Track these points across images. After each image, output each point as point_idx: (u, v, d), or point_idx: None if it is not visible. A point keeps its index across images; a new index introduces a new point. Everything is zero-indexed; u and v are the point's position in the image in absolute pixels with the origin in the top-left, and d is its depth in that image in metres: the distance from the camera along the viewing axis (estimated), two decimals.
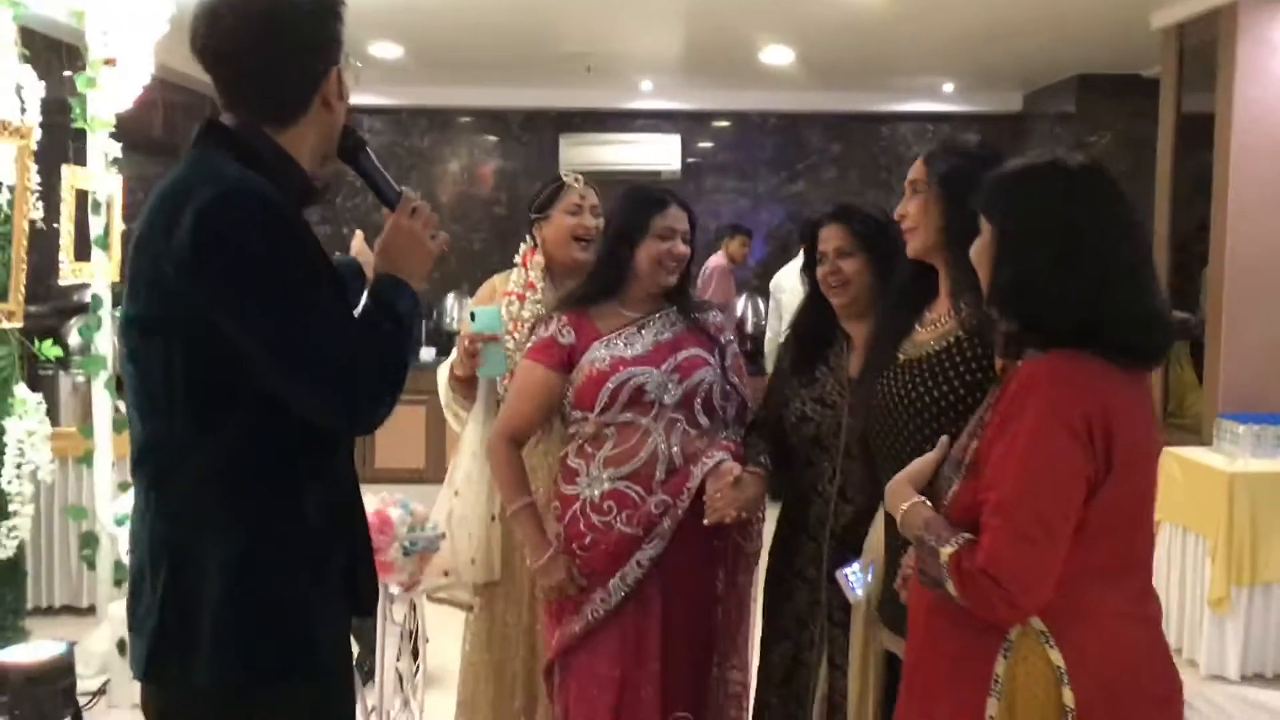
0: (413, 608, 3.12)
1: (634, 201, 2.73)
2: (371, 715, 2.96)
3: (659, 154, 8.59)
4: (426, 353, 8.07)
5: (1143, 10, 5.77)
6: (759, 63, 7.27)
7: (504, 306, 2.90)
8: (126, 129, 4.33)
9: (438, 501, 2.92)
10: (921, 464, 1.90)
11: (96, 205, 4.10)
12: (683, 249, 2.70)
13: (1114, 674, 1.71)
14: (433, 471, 7.73)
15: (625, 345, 2.64)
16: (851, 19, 6.01)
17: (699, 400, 2.62)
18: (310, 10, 1.70)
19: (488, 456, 2.74)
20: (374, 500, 2.69)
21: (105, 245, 4.14)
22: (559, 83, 8.14)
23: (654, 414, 2.58)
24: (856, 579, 2.31)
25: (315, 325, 1.60)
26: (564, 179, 3.04)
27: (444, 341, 8.19)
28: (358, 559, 1.80)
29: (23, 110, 3.92)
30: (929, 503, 1.83)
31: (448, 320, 8.44)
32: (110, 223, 4.17)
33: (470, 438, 2.90)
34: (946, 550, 1.70)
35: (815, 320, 2.64)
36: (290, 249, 1.60)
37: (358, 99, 8.59)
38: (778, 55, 7.08)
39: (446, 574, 2.87)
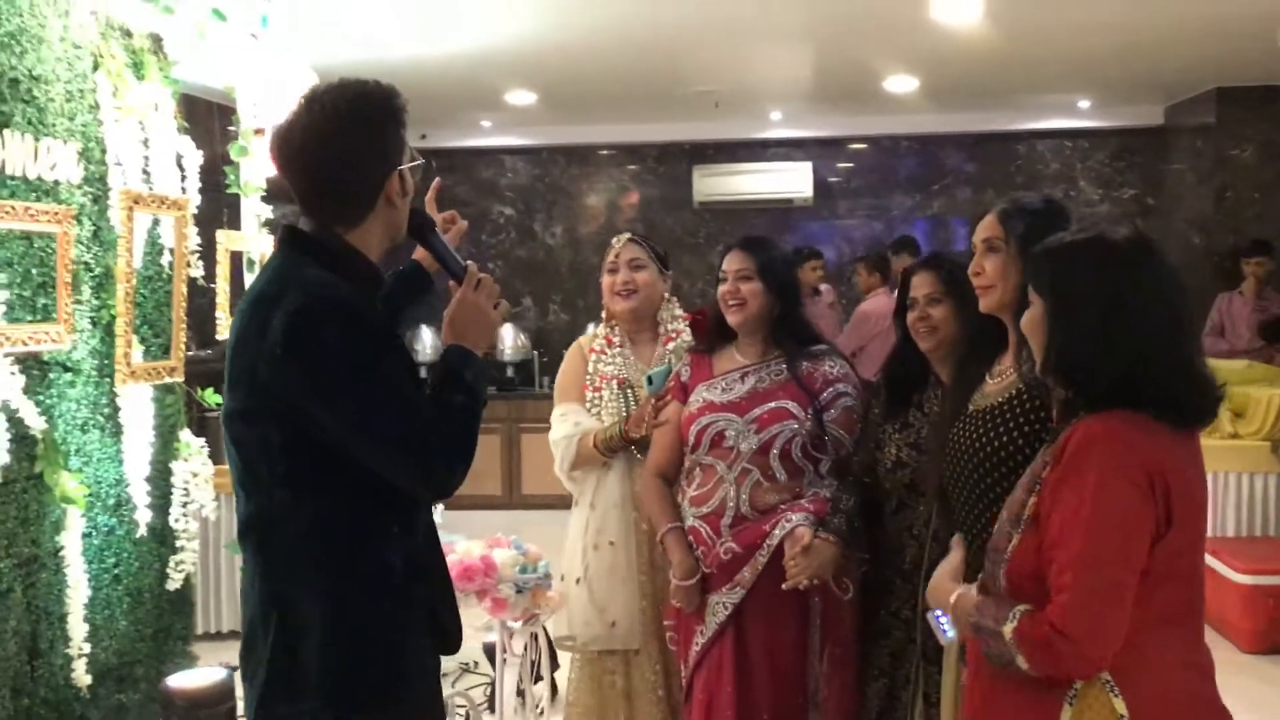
0: (534, 638, 3.30)
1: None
2: None
3: (791, 182, 8.67)
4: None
5: (1273, 23, 5.63)
6: (884, 91, 7.31)
7: (592, 363, 3.09)
8: (276, 191, 4.65)
9: (569, 551, 3.08)
10: (953, 561, 1.99)
11: (250, 264, 4.43)
12: (736, 288, 2.85)
13: None
14: (508, 497, 8.10)
15: (722, 391, 2.80)
16: (971, 47, 6.01)
17: (775, 452, 2.74)
18: (369, 122, 1.91)
19: (641, 491, 2.95)
20: (477, 546, 2.88)
21: None
22: (689, 116, 8.32)
23: (730, 460, 2.73)
24: (947, 621, 2.39)
25: (394, 408, 1.80)
26: (613, 239, 3.24)
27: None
28: (438, 601, 2.00)
29: (183, 178, 4.26)
30: (973, 589, 1.91)
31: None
32: None
33: (612, 491, 3.08)
34: (1009, 627, 1.76)
35: (907, 365, 2.73)
36: (368, 343, 1.82)
37: (499, 140, 8.99)
38: (901, 84, 7.13)
39: (571, 639, 3.02)
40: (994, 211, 2.31)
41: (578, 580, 2.95)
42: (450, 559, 2.78)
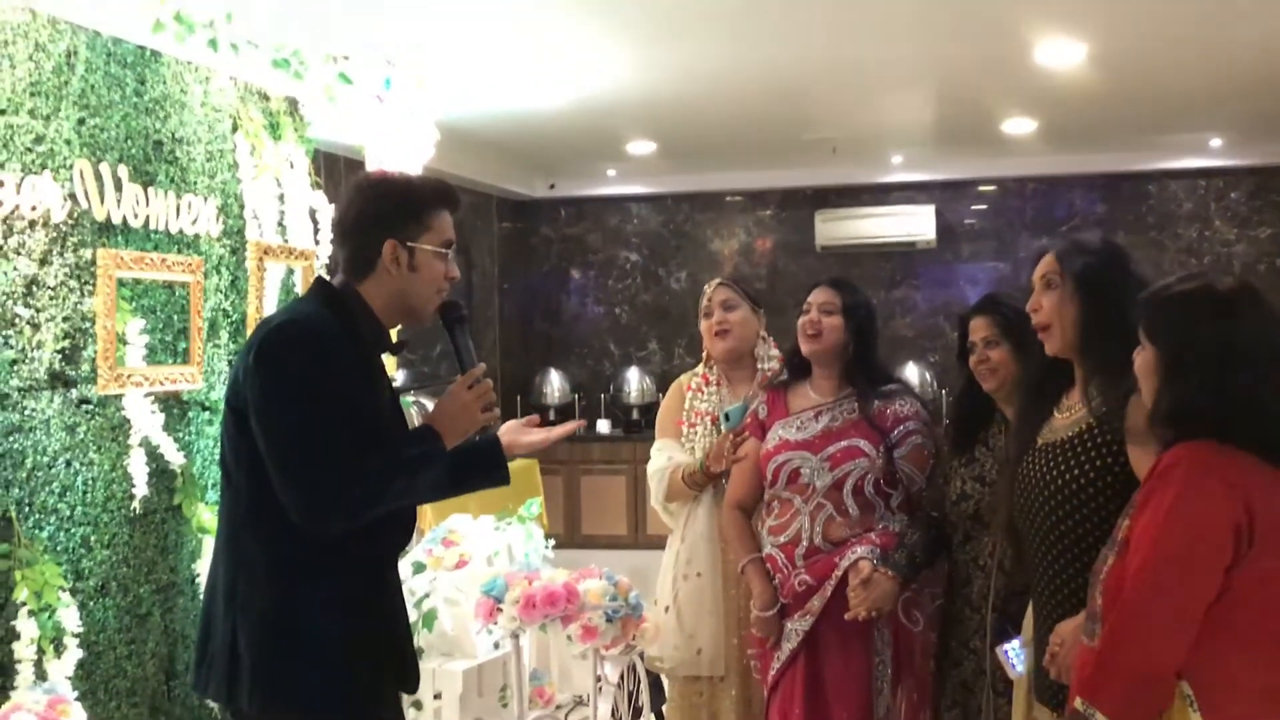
0: (631, 669, 3.41)
1: None
2: None
3: (914, 225, 8.62)
4: (603, 425, 8.85)
5: None
6: (1003, 133, 7.30)
7: (688, 400, 3.21)
8: None
9: (662, 579, 3.22)
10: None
11: None
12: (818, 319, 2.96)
13: None
14: (633, 538, 8.18)
15: (797, 429, 2.91)
16: (1085, 88, 5.97)
17: (848, 489, 2.83)
18: (380, 196, 2.25)
19: (722, 523, 3.08)
20: (561, 574, 3.01)
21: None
22: (810, 162, 8.39)
23: (806, 496, 2.83)
24: (1016, 655, 2.42)
25: (307, 442, 2.04)
26: (706, 286, 3.40)
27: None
28: (394, 635, 2.24)
29: (315, 230, 4.51)
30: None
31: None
32: None
33: (701, 524, 3.20)
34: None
35: (972, 403, 2.78)
36: (322, 375, 2.06)
37: (624, 189, 9.18)
38: (1019, 126, 7.11)
39: (660, 660, 3.16)
40: (1052, 250, 2.37)
41: (667, 608, 3.08)
42: (535, 585, 2.93)
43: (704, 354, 3.43)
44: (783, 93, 6.19)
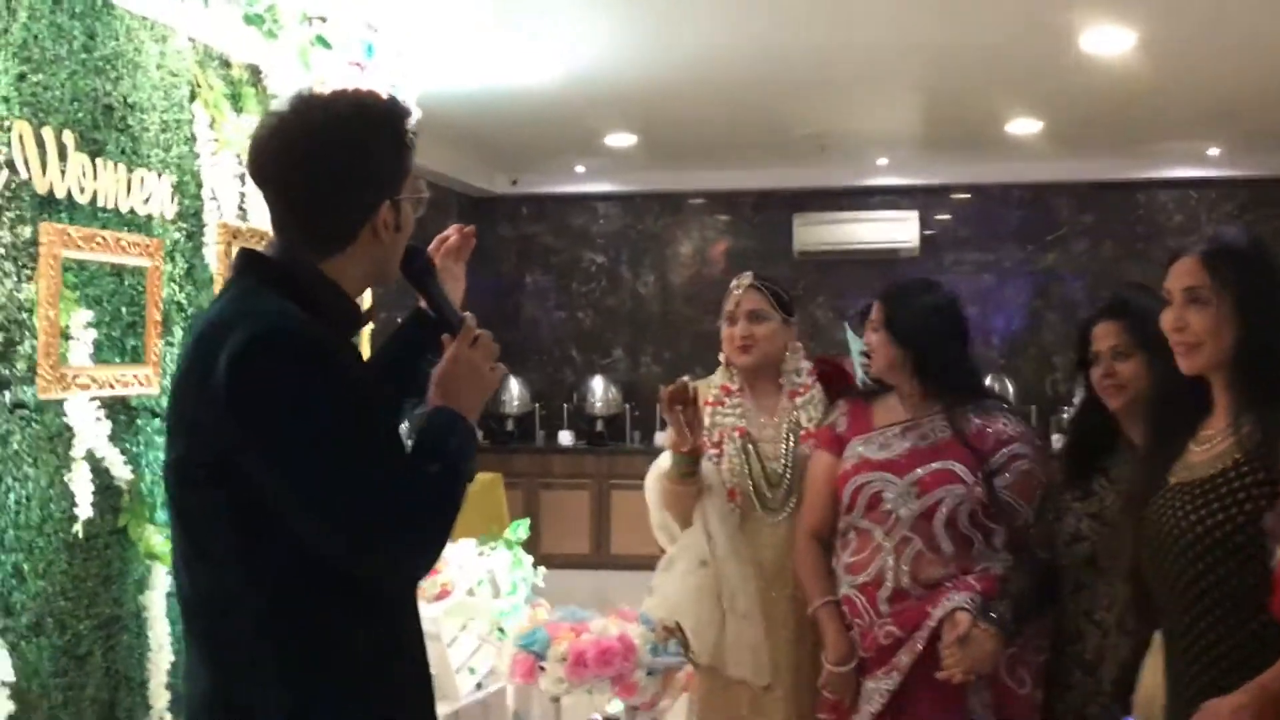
0: None
1: None
2: None
3: (896, 231, 8.41)
4: (565, 436, 8.52)
5: None
6: (1004, 135, 7.09)
7: (710, 415, 2.85)
8: None
9: (675, 601, 2.83)
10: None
11: None
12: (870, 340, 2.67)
13: None
14: (596, 556, 7.93)
15: (880, 447, 2.55)
16: (1106, 86, 5.74)
17: (939, 520, 2.45)
18: (359, 140, 1.66)
19: (795, 556, 2.71)
20: (613, 624, 2.61)
21: None
22: (791, 162, 8.12)
23: (888, 526, 2.46)
24: None
25: (338, 466, 1.54)
26: (733, 281, 3.01)
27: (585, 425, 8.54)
28: (414, 689, 1.75)
29: None
30: None
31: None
32: None
33: (724, 544, 2.79)
34: None
35: (1094, 426, 2.42)
36: (323, 387, 1.56)
37: (591, 187, 8.85)
38: (1024, 126, 6.90)
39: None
40: (1195, 254, 2.00)
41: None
42: (584, 639, 2.53)
43: (722, 359, 3.06)
44: (773, 81, 5.90)
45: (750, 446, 2.86)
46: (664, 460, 2.87)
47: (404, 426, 2.00)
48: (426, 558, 1.64)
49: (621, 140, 7.37)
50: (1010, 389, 7.72)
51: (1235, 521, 1.89)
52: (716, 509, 2.79)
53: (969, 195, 8.64)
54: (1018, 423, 2.62)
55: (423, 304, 2.00)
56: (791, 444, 2.81)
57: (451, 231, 2.11)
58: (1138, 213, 8.38)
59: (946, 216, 8.64)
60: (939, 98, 6.33)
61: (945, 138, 7.42)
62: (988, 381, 7.83)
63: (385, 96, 1.74)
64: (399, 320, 2.08)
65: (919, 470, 2.51)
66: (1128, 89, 5.81)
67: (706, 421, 2.88)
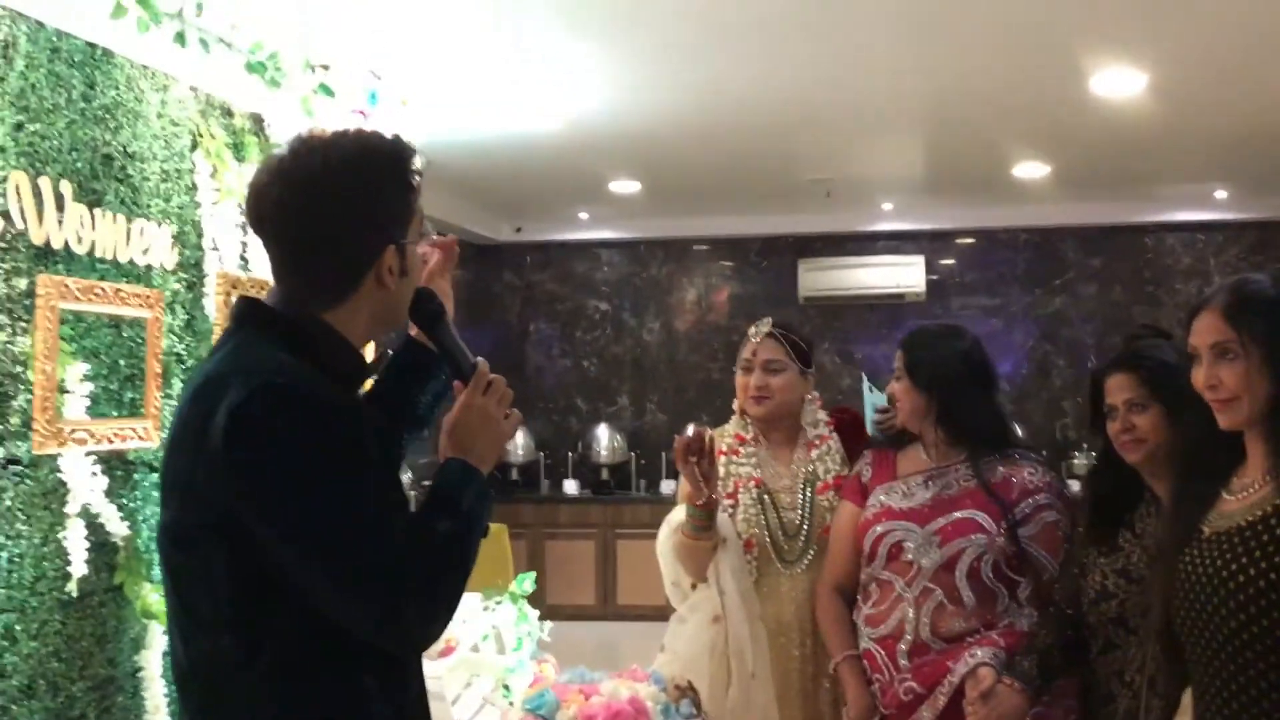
0: None
1: None
2: None
3: (901, 276, 8.34)
4: (570, 485, 8.42)
5: None
6: (1010, 178, 7.00)
7: (724, 465, 2.77)
8: None
9: (687, 663, 2.73)
10: None
11: None
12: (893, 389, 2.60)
13: None
14: (602, 608, 7.80)
15: (903, 496, 2.47)
16: (1115, 129, 5.67)
17: (962, 571, 2.37)
18: (361, 183, 1.59)
19: (817, 610, 2.63)
20: (623, 686, 2.51)
21: None
22: (795, 208, 8.06)
23: (909, 577, 2.37)
24: None
25: (354, 529, 1.46)
26: (751, 328, 2.92)
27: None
28: None
29: None
30: None
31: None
32: None
33: (737, 604, 2.69)
34: None
35: (1115, 479, 2.33)
36: (331, 444, 1.48)
37: (595, 234, 8.79)
38: (1032, 170, 6.81)
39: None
40: (1216, 306, 1.90)
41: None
42: (594, 702, 2.43)
43: (736, 407, 2.98)
44: (777, 127, 5.82)
45: (767, 497, 2.78)
46: (677, 514, 2.78)
47: (406, 475, 1.92)
48: (440, 624, 1.56)
49: (625, 187, 7.31)
50: (1019, 434, 7.63)
51: (1279, 570, 1.81)
52: (730, 563, 2.70)
53: (975, 239, 8.58)
54: (1044, 472, 2.53)
55: (415, 332, 1.91)
56: (809, 495, 2.73)
57: (431, 253, 2.03)
58: (1145, 256, 8.31)
59: (952, 261, 8.58)
60: (945, 142, 6.27)
61: (951, 182, 7.36)
62: None
63: (389, 136, 1.66)
64: (389, 351, 1.99)
65: (941, 519, 2.44)
66: (1137, 132, 5.75)
67: (720, 471, 2.80)
